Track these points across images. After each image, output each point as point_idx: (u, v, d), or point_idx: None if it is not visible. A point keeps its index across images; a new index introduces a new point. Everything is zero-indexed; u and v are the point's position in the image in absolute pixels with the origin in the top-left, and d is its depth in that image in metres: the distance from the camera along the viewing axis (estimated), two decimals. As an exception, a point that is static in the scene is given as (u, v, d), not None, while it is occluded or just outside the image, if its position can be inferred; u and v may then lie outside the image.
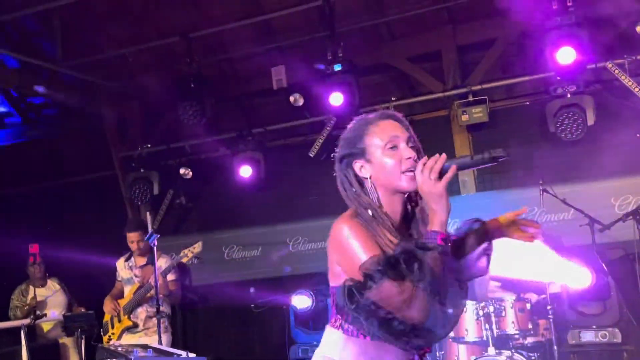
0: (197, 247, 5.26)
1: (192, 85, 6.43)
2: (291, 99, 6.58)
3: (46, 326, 6.33)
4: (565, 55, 5.58)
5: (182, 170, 7.30)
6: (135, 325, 5.29)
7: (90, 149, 8.01)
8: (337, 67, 6.19)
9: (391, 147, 1.91)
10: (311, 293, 6.27)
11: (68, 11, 6.26)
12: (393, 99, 6.80)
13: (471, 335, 4.87)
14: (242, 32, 6.80)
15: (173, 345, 4.99)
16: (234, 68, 7.43)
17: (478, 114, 6.32)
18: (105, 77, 7.33)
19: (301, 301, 6.29)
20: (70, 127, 7.94)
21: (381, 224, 1.82)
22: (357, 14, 6.65)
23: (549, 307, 4.91)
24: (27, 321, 5.50)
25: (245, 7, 6.59)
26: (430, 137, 6.93)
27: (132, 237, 5.37)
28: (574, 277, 5.23)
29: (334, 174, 2.09)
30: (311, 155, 6.79)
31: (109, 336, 5.38)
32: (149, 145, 7.51)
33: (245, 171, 7.00)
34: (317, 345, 6.41)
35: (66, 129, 7.95)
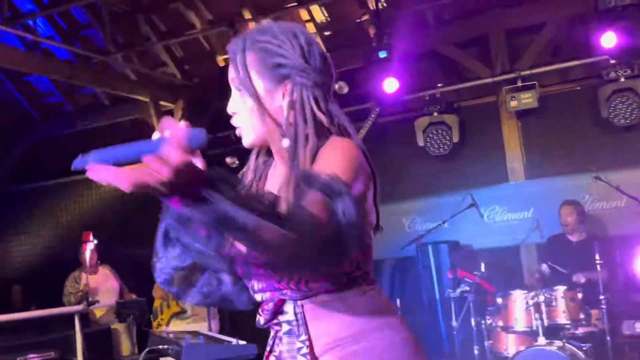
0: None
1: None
2: (336, 86, 6.53)
3: (99, 312, 6.49)
4: (618, 38, 5.40)
5: (228, 159, 7.32)
6: (184, 311, 5.39)
7: (138, 138, 8.14)
8: (383, 54, 6.13)
9: None
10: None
11: (117, 2, 6.36)
12: (439, 85, 6.72)
13: (520, 325, 4.80)
14: (289, 19, 6.79)
15: (221, 332, 5.06)
16: (279, 56, 7.44)
17: (527, 99, 6.19)
18: (153, 67, 7.43)
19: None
20: (119, 117, 8.10)
21: None
22: (403, 0, 6.57)
23: (601, 297, 4.79)
24: (80, 307, 5.63)
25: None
26: (478, 124, 6.86)
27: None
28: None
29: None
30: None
31: (159, 322, 5.49)
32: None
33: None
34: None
35: (115, 118, 8.11)
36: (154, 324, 5.52)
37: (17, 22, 6.22)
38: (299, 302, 1.40)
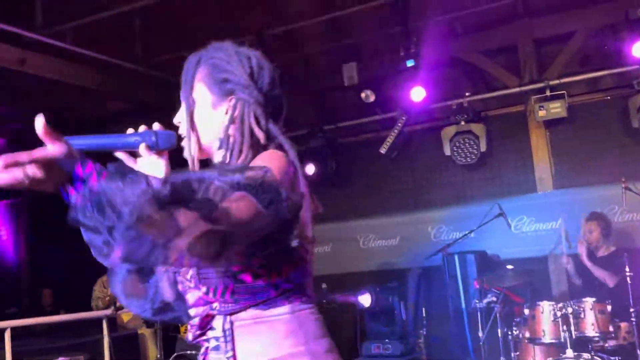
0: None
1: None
2: (362, 95, 6.58)
3: (126, 317, 6.56)
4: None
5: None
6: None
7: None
8: (410, 63, 6.14)
9: None
10: (372, 291, 6.24)
11: (148, 12, 6.45)
12: (467, 94, 6.70)
13: (548, 337, 4.74)
14: (315, 29, 6.84)
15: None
16: (306, 65, 7.48)
17: (556, 109, 6.14)
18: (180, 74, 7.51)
19: (364, 299, 6.30)
20: (147, 124, 8.19)
21: None
22: (431, 9, 6.57)
23: (631, 310, 4.72)
24: (108, 312, 5.71)
25: (318, 4, 6.62)
26: (505, 133, 6.82)
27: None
28: None
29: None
30: (382, 151, 6.76)
31: (186, 327, 5.53)
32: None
33: (315, 167, 7.05)
34: (389, 342, 6.38)
35: (145, 124, 8.20)
36: (181, 329, 5.57)
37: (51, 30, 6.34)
38: (228, 318, 1.41)
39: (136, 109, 8.09)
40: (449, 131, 6.68)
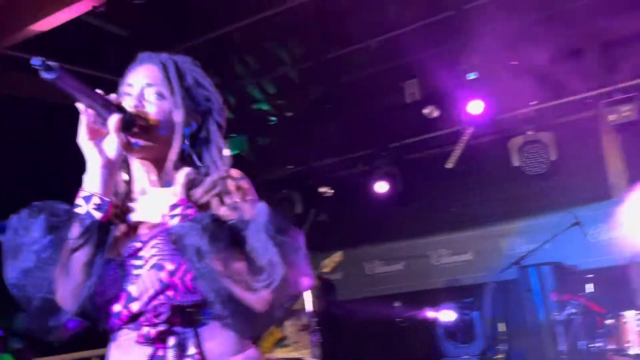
0: (338, 257, 5.38)
1: (327, 106, 6.60)
2: (425, 111, 6.56)
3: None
4: None
5: (321, 189, 7.49)
6: (285, 338, 5.48)
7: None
8: (472, 76, 6.09)
9: None
10: (456, 306, 6.16)
11: (207, 47, 6.67)
12: (533, 102, 6.57)
13: (635, 348, 4.56)
14: (372, 49, 6.88)
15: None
16: (366, 85, 7.52)
17: (627, 112, 5.95)
18: (246, 103, 7.71)
19: (446, 315, 6.21)
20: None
21: None
22: (491, 19, 6.51)
23: None
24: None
25: (372, 26, 6.67)
26: (576, 140, 6.63)
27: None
28: None
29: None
30: (449, 166, 6.71)
31: (261, 350, 5.61)
32: (291, 167, 7.79)
33: (382, 186, 7.06)
34: (467, 359, 6.27)
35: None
36: (257, 352, 5.65)
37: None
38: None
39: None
40: (516, 141, 6.56)
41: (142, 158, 1.58)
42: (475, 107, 6.08)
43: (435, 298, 6.91)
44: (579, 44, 6.52)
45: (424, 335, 6.79)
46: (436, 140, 7.23)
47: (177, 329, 1.46)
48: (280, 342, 5.50)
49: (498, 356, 6.03)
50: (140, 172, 1.60)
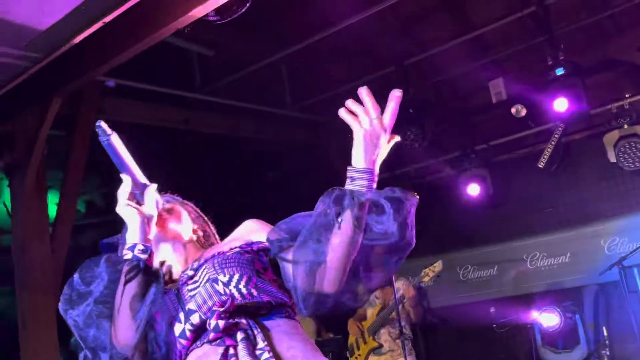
0: (438, 266, 5.33)
1: (411, 111, 6.55)
2: (513, 110, 6.40)
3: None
4: None
5: (409, 194, 7.43)
6: (380, 346, 5.47)
7: (317, 182, 8.49)
8: (560, 71, 5.89)
9: None
10: (559, 310, 5.94)
11: (294, 58, 6.79)
12: (627, 95, 6.28)
13: None
14: (455, 51, 6.80)
15: (418, 367, 5.06)
16: (450, 87, 7.44)
17: None
18: (327, 114, 7.79)
19: (548, 319, 5.99)
20: (300, 164, 8.52)
21: None
22: (576, 12, 6.29)
23: None
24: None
25: (455, 27, 6.59)
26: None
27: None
28: None
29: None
30: (540, 166, 6.50)
31: (356, 357, 5.62)
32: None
33: (473, 189, 6.93)
34: (569, 365, 5.92)
35: (297, 166, 8.54)
36: (351, 359, 5.66)
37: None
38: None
39: (290, 149, 8.46)
40: (611, 136, 6.28)
41: None
42: (560, 104, 5.86)
43: (531, 303, 6.70)
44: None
45: (523, 340, 6.59)
46: (526, 140, 7.03)
47: (244, 324, 1.56)
48: (375, 350, 5.49)
49: (603, 361, 5.78)
50: None
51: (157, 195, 1.78)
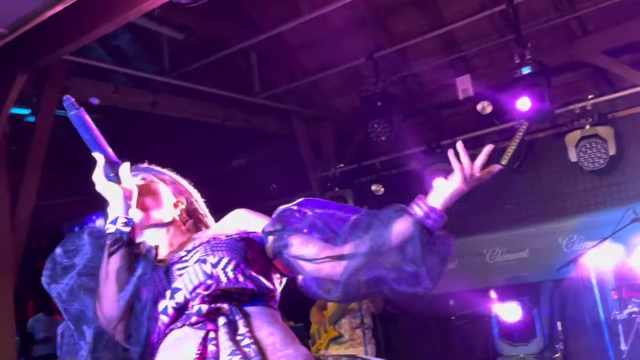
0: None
1: (379, 104, 6.60)
2: (479, 107, 6.49)
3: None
4: None
5: (373, 187, 7.49)
6: (341, 336, 5.51)
7: (288, 173, 8.51)
8: (526, 70, 5.98)
9: None
10: (519, 303, 6.04)
11: (264, 45, 6.76)
12: (590, 96, 6.41)
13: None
14: (425, 46, 6.86)
15: (376, 357, 5.12)
16: (418, 82, 7.50)
17: (691, 104, 5.74)
18: (298, 104, 7.79)
19: (510, 311, 6.08)
20: (268, 153, 8.52)
21: None
22: (544, 13, 6.40)
23: None
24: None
25: (427, 22, 6.64)
26: (636, 135, 6.44)
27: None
28: None
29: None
30: (503, 163, 6.57)
31: (317, 347, 5.66)
32: (342, 165, 7.82)
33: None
34: (524, 358, 6.16)
35: (265, 155, 8.54)
36: (313, 348, 5.70)
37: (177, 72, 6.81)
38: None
39: (259, 137, 8.44)
40: (573, 136, 6.41)
41: None
42: (524, 103, 5.95)
43: (489, 297, 6.83)
44: (638, 36, 6.33)
45: (479, 334, 6.71)
46: (490, 137, 7.13)
47: (226, 309, 1.59)
48: (336, 339, 5.53)
49: (556, 355, 5.92)
50: None
51: (130, 174, 1.75)
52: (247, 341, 1.53)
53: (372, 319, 5.67)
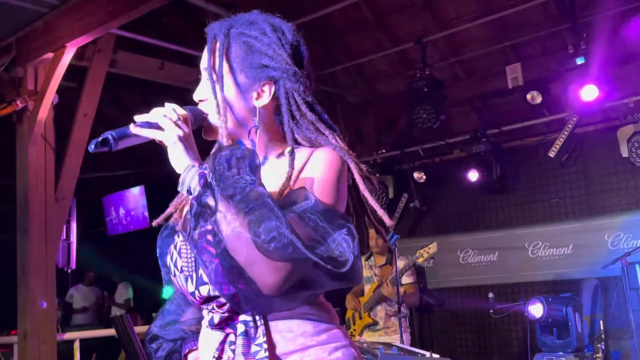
0: (433, 248, 5.29)
1: (425, 90, 6.47)
2: (528, 97, 6.32)
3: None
4: None
5: (416, 174, 7.39)
6: (376, 323, 5.47)
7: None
8: (580, 60, 5.79)
9: None
10: (546, 301, 5.89)
11: (307, 27, 6.69)
12: (645, 90, 6.18)
13: None
14: (475, 32, 6.70)
15: (412, 345, 5.06)
16: (467, 69, 7.34)
17: None
18: (342, 87, 7.72)
19: (534, 309, 5.96)
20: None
21: None
22: (602, 2, 6.17)
23: None
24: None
25: (478, 7, 6.48)
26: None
27: (372, 234, 5.53)
28: None
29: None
30: (551, 155, 6.43)
31: (352, 332, 5.63)
32: (384, 151, 7.73)
33: (476, 174, 6.87)
34: (562, 356, 6.00)
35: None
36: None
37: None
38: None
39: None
40: (626, 131, 6.19)
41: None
42: (588, 93, 5.75)
43: (530, 291, 6.70)
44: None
45: (520, 327, 6.60)
46: (538, 128, 6.95)
47: (245, 316, 1.37)
48: (370, 326, 5.49)
49: (596, 355, 5.77)
50: None
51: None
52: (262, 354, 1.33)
53: (408, 308, 5.61)
